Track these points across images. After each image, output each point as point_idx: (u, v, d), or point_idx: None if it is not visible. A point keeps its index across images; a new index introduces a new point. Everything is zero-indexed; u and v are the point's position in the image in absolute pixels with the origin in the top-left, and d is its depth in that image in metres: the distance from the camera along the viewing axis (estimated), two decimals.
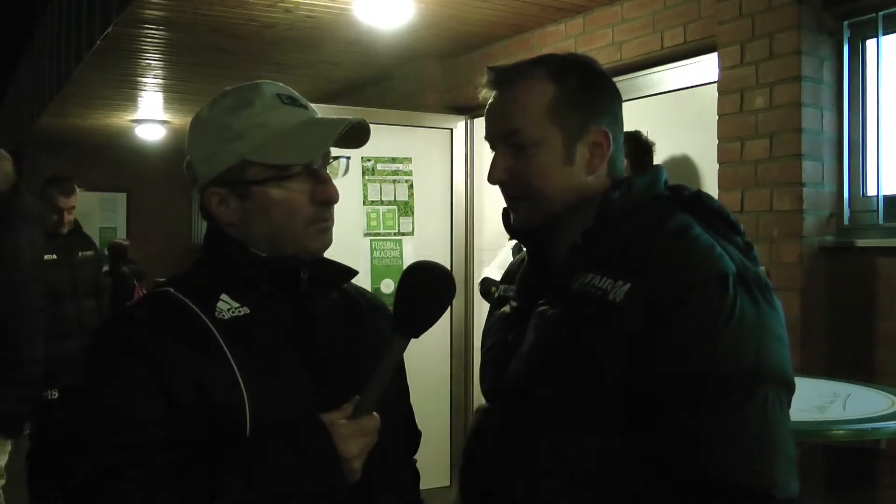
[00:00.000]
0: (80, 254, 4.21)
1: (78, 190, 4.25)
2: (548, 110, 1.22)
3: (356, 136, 1.23)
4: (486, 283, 4.08)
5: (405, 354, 1.15)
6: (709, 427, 1.05)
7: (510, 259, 4.18)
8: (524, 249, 1.37)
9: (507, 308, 1.34)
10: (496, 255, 4.30)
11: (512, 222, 1.30)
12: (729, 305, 1.07)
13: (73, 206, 4.19)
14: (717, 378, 1.05)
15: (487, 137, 1.30)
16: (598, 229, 1.20)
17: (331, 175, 1.23)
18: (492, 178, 1.26)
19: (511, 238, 1.55)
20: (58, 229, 4.11)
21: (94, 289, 4.20)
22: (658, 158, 3.71)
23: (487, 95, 1.28)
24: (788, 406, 1.11)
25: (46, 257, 4.01)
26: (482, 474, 1.26)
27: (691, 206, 1.22)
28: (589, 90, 1.25)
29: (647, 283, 1.10)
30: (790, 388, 1.11)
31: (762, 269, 1.18)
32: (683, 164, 3.87)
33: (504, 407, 1.24)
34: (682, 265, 1.11)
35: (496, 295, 1.42)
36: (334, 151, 1.23)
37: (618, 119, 1.28)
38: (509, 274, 1.45)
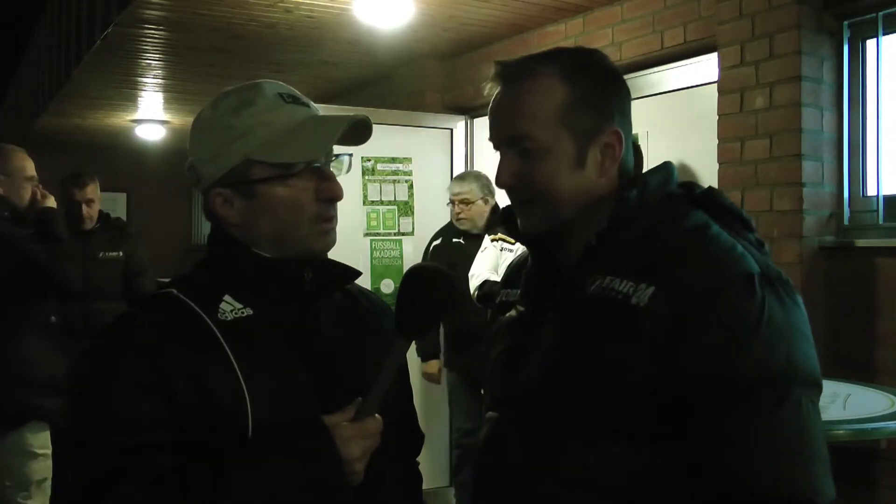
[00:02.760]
0: (101, 254, 4.11)
1: (95, 183, 4.11)
2: (559, 114, 1.16)
3: (359, 132, 1.22)
4: (490, 286, 4.04)
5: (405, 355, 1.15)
6: (742, 432, 1.01)
7: (499, 258, 4.18)
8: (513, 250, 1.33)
9: (513, 313, 1.30)
10: (480, 255, 4.28)
11: (520, 228, 1.24)
12: (758, 306, 1.04)
13: (91, 198, 4.07)
14: (750, 382, 1.01)
15: (492, 139, 1.23)
16: (613, 229, 1.16)
17: (334, 172, 1.22)
18: (499, 183, 1.21)
19: (516, 241, 1.49)
20: (79, 225, 4.06)
21: (114, 291, 4.02)
22: (658, 158, 3.70)
23: (493, 90, 1.22)
24: (817, 406, 1.08)
25: None
26: (500, 486, 1.21)
27: (704, 203, 1.19)
28: (602, 90, 1.20)
29: (671, 285, 1.06)
30: (819, 388, 1.08)
31: None
32: (683, 164, 3.87)
33: (519, 416, 1.19)
34: (707, 266, 1.07)
35: (499, 300, 1.39)
36: (336, 149, 1.23)
37: (628, 118, 1.23)
38: (510, 276, 1.42)
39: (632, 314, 1.06)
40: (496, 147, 1.23)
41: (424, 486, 1.40)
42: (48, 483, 3.19)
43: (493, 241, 4.28)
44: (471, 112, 5.05)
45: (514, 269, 1.41)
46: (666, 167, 1.24)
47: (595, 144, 1.18)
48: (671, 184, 1.22)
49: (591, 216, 1.18)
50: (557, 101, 1.17)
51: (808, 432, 1.02)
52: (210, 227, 1.24)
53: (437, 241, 4.35)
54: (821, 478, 1.01)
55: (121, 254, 4.16)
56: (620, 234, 1.15)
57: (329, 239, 1.22)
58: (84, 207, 4.05)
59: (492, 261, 4.19)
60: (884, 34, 3.13)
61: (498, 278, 4.10)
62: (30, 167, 3.33)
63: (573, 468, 1.10)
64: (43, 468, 3.18)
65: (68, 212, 4.05)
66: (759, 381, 1.02)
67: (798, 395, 1.02)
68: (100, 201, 4.18)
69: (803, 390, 1.03)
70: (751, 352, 1.02)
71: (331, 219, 1.21)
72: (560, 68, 1.18)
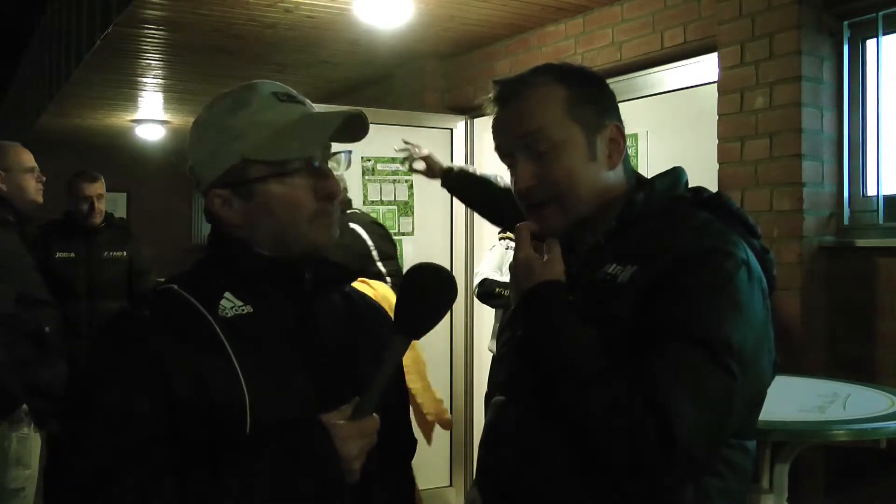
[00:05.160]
0: (106, 253, 4.13)
1: (102, 180, 4.17)
2: (565, 109, 1.23)
3: (355, 129, 1.23)
4: (489, 285, 4.05)
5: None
6: (676, 370, 1.06)
7: (504, 256, 4.18)
8: None
9: None
10: (487, 254, 4.29)
11: (540, 231, 1.28)
12: (726, 277, 1.11)
13: (101, 193, 4.12)
14: (687, 340, 1.07)
15: (502, 146, 1.28)
16: (620, 230, 1.22)
17: (334, 170, 1.23)
18: (520, 187, 1.25)
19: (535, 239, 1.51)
20: (88, 220, 4.06)
21: (119, 290, 4.08)
22: (658, 158, 3.71)
23: (492, 111, 1.29)
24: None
25: (60, 255, 3.98)
26: (504, 468, 1.26)
27: (711, 207, 1.25)
28: (595, 88, 1.28)
29: (653, 260, 1.13)
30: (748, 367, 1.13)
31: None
32: (683, 165, 3.86)
33: (521, 400, 1.25)
34: (688, 242, 1.15)
35: (507, 293, 1.43)
36: (335, 146, 1.24)
37: (620, 118, 1.30)
38: None
39: (614, 291, 1.15)
40: (506, 154, 1.27)
41: (424, 487, 1.40)
42: None
43: (500, 239, 4.28)
44: (471, 112, 5.05)
45: None
46: (675, 172, 1.31)
47: (601, 138, 1.25)
48: (679, 187, 1.29)
49: (604, 215, 1.24)
50: (561, 98, 1.24)
51: (730, 397, 1.08)
52: (210, 227, 1.25)
53: None
54: (703, 432, 1.06)
55: (125, 253, 4.20)
56: (626, 234, 1.22)
57: (332, 232, 1.23)
58: (95, 202, 4.07)
59: (497, 259, 4.20)
60: (884, 34, 3.13)
61: (502, 277, 4.11)
62: (28, 159, 3.31)
63: (571, 451, 1.13)
64: None
65: (74, 209, 4.06)
66: (702, 339, 1.07)
67: (728, 363, 1.07)
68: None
69: (734, 362, 1.08)
70: (709, 314, 1.09)
71: (330, 215, 1.22)
72: (552, 74, 1.27)
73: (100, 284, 4.04)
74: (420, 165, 2.93)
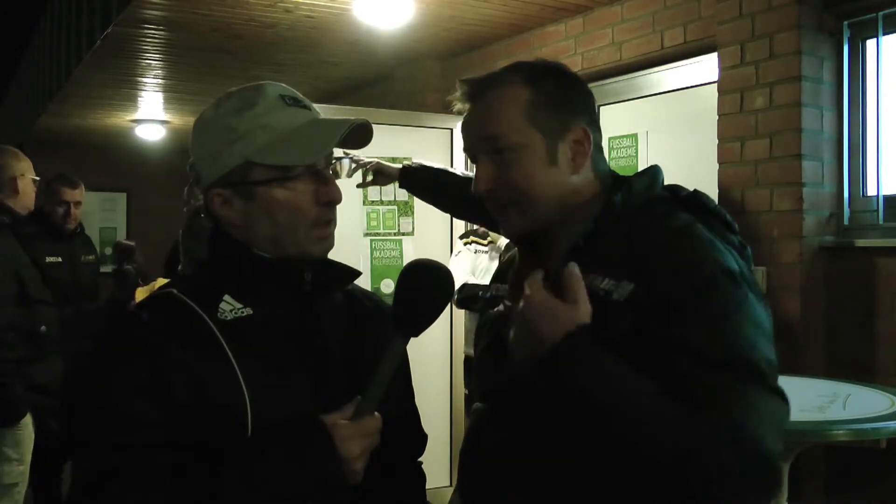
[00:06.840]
0: (83, 257, 4.19)
1: (82, 185, 4.22)
2: (525, 113, 1.22)
3: (360, 136, 1.23)
4: (470, 289, 4.04)
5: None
6: (741, 406, 1.04)
7: (475, 260, 4.17)
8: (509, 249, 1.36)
9: (500, 308, 1.33)
10: (454, 260, 4.27)
11: (503, 232, 1.30)
12: (740, 298, 1.09)
13: (80, 200, 4.14)
14: (734, 368, 1.05)
15: (467, 149, 1.30)
16: (598, 231, 1.20)
17: (335, 175, 1.24)
18: (478, 189, 1.26)
19: (511, 242, 1.52)
20: (65, 224, 4.07)
21: (93, 293, 4.18)
22: (658, 158, 3.70)
23: (462, 109, 1.29)
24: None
25: (50, 259, 4.00)
26: (483, 476, 1.25)
27: (689, 205, 1.23)
28: (564, 90, 1.26)
29: (651, 281, 1.10)
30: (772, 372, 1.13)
31: (762, 269, 1.19)
32: (683, 164, 3.87)
33: (501, 407, 1.24)
34: (687, 262, 1.11)
35: (489, 295, 1.41)
36: (337, 152, 1.24)
37: (595, 119, 1.28)
38: (501, 273, 1.44)
39: (611, 309, 1.11)
40: (472, 156, 1.29)
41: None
42: None
43: (465, 244, 4.28)
44: None
45: (506, 264, 1.45)
46: (651, 170, 1.29)
47: (564, 141, 1.24)
48: (656, 186, 1.27)
49: (577, 217, 1.23)
50: (523, 102, 1.23)
51: (786, 417, 1.09)
52: (211, 227, 1.25)
53: None
54: (769, 442, 1.05)
55: (94, 257, 4.28)
56: (605, 235, 1.20)
57: (326, 244, 1.24)
58: (73, 208, 4.08)
59: (468, 264, 4.20)
60: (884, 34, 3.13)
61: (475, 280, 4.11)
62: (31, 165, 3.39)
63: (549, 458, 1.12)
64: None
65: (49, 211, 4.07)
66: (744, 367, 1.06)
67: (776, 386, 1.08)
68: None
69: (776, 381, 1.08)
70: (736, 339, 1.07)
71: (329, 222, 1.23)
72: (521, 75, 1.25)
73: (82, 287, 4.10)
74: (369, 176, 2.75)
